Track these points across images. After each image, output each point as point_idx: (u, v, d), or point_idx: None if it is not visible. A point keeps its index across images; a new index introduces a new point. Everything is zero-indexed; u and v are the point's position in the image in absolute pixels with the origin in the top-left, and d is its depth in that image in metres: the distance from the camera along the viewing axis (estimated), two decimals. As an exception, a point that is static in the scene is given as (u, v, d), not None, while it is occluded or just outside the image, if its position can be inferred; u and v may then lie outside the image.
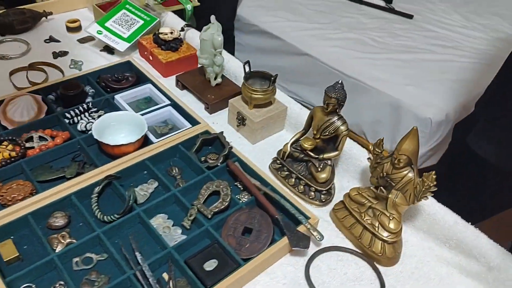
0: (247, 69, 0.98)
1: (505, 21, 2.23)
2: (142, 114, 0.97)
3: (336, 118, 0.85)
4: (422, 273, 0.79)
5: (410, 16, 2.21)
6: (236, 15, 2.18)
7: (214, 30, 1.01)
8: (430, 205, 0.84)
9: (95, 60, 1.17)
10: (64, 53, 1.18)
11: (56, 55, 1.17)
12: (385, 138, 1.70)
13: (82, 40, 1.23)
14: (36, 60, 1.14)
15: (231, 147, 0.92)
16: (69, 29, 1.26)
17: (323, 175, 0.87)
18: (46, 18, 1.29)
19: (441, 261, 0.81)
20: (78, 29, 1.27)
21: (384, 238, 0.78)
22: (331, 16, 2.15)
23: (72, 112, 0.97)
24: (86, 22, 1.29)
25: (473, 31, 2.14)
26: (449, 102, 1.71)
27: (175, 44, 1.15)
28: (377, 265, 0.79)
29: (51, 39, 1.23)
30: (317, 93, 1.88)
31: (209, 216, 0.81)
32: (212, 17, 1.03)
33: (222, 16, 2.07)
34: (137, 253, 0.72)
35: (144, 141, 0.93)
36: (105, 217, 0.79)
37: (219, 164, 0.90)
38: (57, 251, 0.73)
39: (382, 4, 2.30)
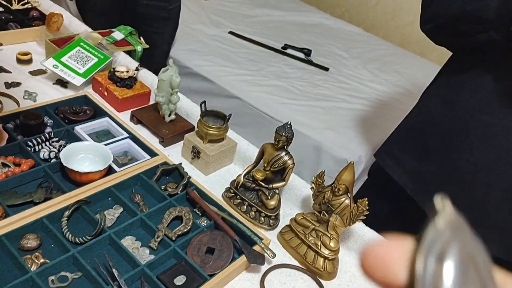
0: (203, 108, 1.10)
1: (404, 78, 2.59)
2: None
3: (284, 154, 1.00)
4: (355, 286, 0.94)
5: (326, 69, 2.48)
6: (169, 56, 2.29)
7: (172, 72, 1.13)
8: (360, 229, 1.00)
9: (49, 93, 1.22)
10: (17, 84, 1.21)
11: (8, 85, 1.20)
12: (306, 175, 1.91)
13: (34, 73, 1.27)
14: (-13, 89, 1.16)
15: (190, 177, 1.02)
16: (20, 61, 1.30)
17: (272, 202, 1.00)
18: (-5, 48, 1.31)
19: (370, 275, 0.97)
20: (29, 61, 1.30)
21: (326, 255, 0.92)
22: (259, 64, 2.36)
23: (34, 141, 1.02)
24: (36, 55, 1.33)
25: (379, 85, 2.46)
26: (360, 145, 1.95)
27: (130, 82, 1.24)
28: (320, 279, 0.93)
29: (2, 70, 1.25)
30: (247, 134, 2.03)
31: (173, 238, 0.90)
32: (170, 61, 1.14)
33: (155, 56, 2.18)
34: (114, 270, 0.79)
35: (108, 170, 1.00)
36: (76, 238, 0.84)
37: (179, 192, 1.00)
38: (32, 270, 0.77)
39: (302, 56, 2.56)
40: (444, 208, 0.20)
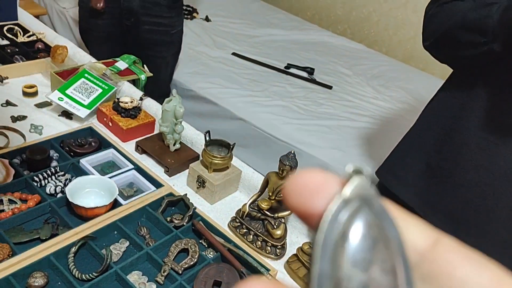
0: (207, 138, 1.10)
1: (408, 94, 2.59)
2: (109, 178, 1.05)
3: (289, 182, 1.00)
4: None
5: (329, 87, 2.49)
6: (172, 80, 2.31)
7: (176, 102, 1.14)
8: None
9: (54, 125, 1.23)
10: (23, 118, 1.22)
11: (15, 119, 1.21)
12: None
13: (39, 105, 1.29)
14: (-6, 123, 1.17)
15: (195, 208, 1.02)
16: (26, 94, 1.31)
17: (279, 232, 1.00)
18: (2, 82, 1.33)
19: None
20: (35, 94, 1.32)
21: (334, 285, 0.92)
22: (262, 85, 2.37)
23: (40, 176, 1.02)
24: (41, 87, 1.35)
25: (383, 102, 2.46)
26: (367, 164, 1.94)
27: (134, 112, 1.25)
28: (328, 310, 0.92)
29: (8, 103, 1.27)
30: (252, 155, 2.04)
31: (180, 272, 0.89)
32: (174, 91, 1.15)
33: (160, 81, 2.20)
34: (121, 308, 0.78)
35: (114, 203, 1.00)
36: (83, 275, 0.84)
37: (184, 223, 1.00)
38: (39, 310, 0.77)
39: (305, 75, 2.57)
40: (356, 178, 0.18)
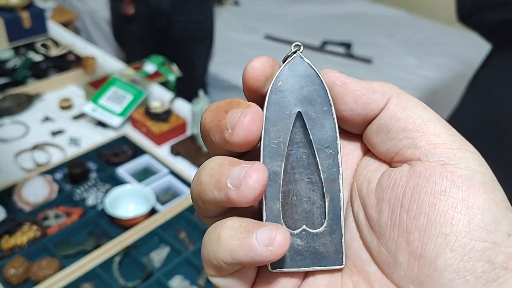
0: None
1: (455, 60, 2.45)
2: (145, 185, 1.07)
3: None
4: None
5: (369, 61, 2.40)
6: (207, 72, 2.31)
7: (204, 103, 1.13)
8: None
9: (91, 135, 1.26)
10: (62, 131, 1.27)
11: (54, 133, 1.26)
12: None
13: (76, 117, 1.33)
14: (36, 140, 1.22)
15: (231, 208, 1.03)
16: (62, 108, 1.36)
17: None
18: (39, 98, 1.38)
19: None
20: (70, 107, 1.36)
21: None
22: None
23: (82, 188, 1.06)
24: (76, 98, 1.39)
25: (428, 70, 2.35)
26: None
27: (164, 116, 1.26)
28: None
29: (47, 119, 1.32)
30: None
31: (220, 274, 0.90)
32: (201, 92, 1.15)
33: (197, 76, 2.20)
34: (163, 316, 0.81)
35: (152, 209, 1.02)
36: (129, 283, 0.87)
37: (222, 224, 1.00)
38: (88, 321, 0.81)
39: (342, 51, 2.49)
40: (295, 54, 0.24)
